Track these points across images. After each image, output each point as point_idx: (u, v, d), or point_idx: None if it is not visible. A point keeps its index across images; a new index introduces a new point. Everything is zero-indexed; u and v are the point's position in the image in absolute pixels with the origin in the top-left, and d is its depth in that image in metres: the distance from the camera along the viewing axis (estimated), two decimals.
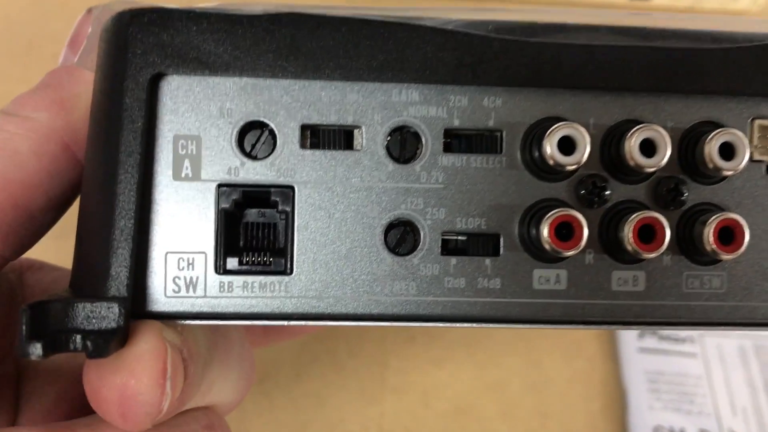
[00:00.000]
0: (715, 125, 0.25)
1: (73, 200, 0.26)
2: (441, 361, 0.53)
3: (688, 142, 0.24)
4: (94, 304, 0.21)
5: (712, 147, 0.23)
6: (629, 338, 0.55)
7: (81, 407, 0.23)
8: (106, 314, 0.21)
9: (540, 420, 0.53)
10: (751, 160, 0.25)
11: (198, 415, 0.26)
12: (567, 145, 0.23)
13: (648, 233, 0.23)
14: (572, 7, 0.61)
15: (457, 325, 0.24)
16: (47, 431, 0.23)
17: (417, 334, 0.53)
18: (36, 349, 0.20)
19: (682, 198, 0.24)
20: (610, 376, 0.54)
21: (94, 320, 0.21)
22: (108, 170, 0.22)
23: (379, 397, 0.53)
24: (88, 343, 0.20)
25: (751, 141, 0.25)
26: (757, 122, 0.25)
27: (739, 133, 0.23)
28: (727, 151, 0.24)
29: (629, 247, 0.23)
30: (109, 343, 0.21)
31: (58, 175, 0.25)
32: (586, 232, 0.23)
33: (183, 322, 0.23)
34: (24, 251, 0.26)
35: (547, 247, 0.23)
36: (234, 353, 0.28)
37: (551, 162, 0.23)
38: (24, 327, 0.20)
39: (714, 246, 0.23)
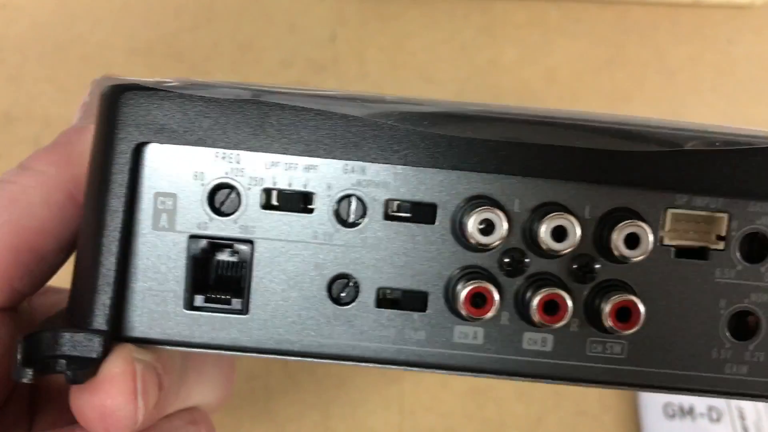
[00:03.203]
0: (631, 212, 0.28)
1: None
2: None
3: (604, 226, 0.27)
4: (78, 335, 0.26)
5: (618, 236, 0.26)
6: None
7: None
8: (87, 344, 0.26)
9: (554, 398, 0.56)
10: (661, 244, 0.28)
11: (182, 415, 0.31)
12: (487, 226, 0.27)
13: (553, 307, 0.27)
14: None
15: (384, 367, 0.28)
16: None
17: None
18: (27, 374, 0.25)
19: (593, 274, 0.28)
20: None
21: (78, 348, 0.26)
22: (96, 222, 0.27)
23: (399, 378, 0.56)
24: (68, 372, 0.25)
25: (662, 227, 0.28)
26: (670, 211, 0.28)
27: (645, 226, 0.26)
28: (633, 240, 0.27)
29: (535, 318, 0.27)
30: (87, 369, 0.26)
31: (65, 222, 0.29)
32: (497, 301, 0.27)
33: (156, 347, 0.28)
34: (38, 288, 0.30)
35: (463, 312, 0.27)
36: (207, 360, 0.33)
37: (471, 240, 0.27)
38: (19, 355, 0.25)
39: (611, 323, 0.27)
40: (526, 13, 0.63)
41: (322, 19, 0.62)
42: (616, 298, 0.27)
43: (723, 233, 0.28)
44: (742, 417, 0.54)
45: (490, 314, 0.27)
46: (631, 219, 0.27)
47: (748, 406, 0.54)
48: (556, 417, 0.55)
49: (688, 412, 0.54)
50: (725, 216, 0.28)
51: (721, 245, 0.28)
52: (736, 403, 0.54)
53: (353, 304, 0.28)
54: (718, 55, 0.63)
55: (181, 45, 0.61)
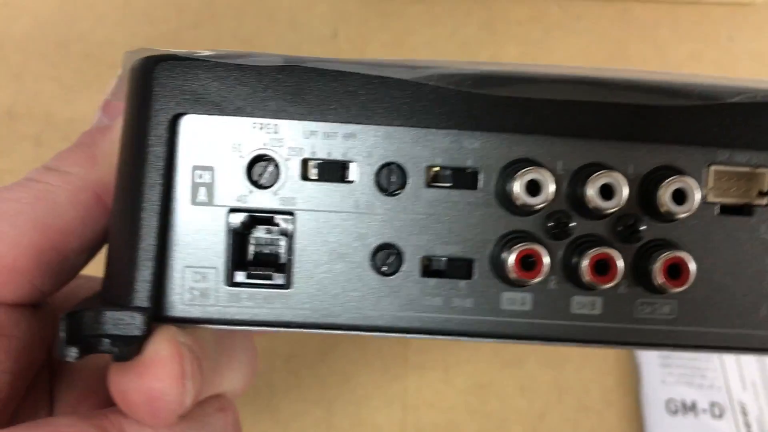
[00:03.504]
0: (674, 170, 0.27)
1: (104, 243, 0.30)
2: None
3: (648, 185, 0.27)
4: (121, 313, 0.25)
5: (665, 192, 0.26)
6: None
7: (105, 399, 0.28)
8: (130, 322, 0.25)
9: (557, 394, 0.55)
10: (705, 201, 0.28)
11: (212, 401, 0.30)
12: (533, 187, 0.26)
13: (603, 266, 0.27)
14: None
15: (432, 337, 0.28)
16: (83, 419, 0.27)
17: None
18: (72, 352, 0.24)
19: (639, 234, 0.27)
20: (624, 352, 0.56)
21: (121, 326, 0.25)
22: (134, 198, 0.26)
23: (402, 374, 0.55)
24: (115, 348, 0.25)
25: (706, 184, 0.28)
26: (713, 168, 0.28)
27: (691, 181, 0.26)
28: (680, 196, 0.26)
29: (586, 278, 0.26)
30: (132, 347, 0.25)
31: (90, 222, 0.29)
32: (546, 264, 0.26)
33: (195, 327, 0.27)
34: (61, 288, 0.30)
35: (511, 275, 0.26)
36: (237, 345, 0.32)
37: (518, 202, 0.26)
38: (63, 333, 0.24)
39: (662, 280, 0.26)
40: (527, 9, 0.63)
41: (324, 16, 0.62)
42: (667, 255, 0.26)
43: (765, 189, 0.28)
44: (744, 413, 0.54)
45: (539, 277, 0.26)
46: (676, 175, 0.26)
47: (751, 401, 0.54)
48: (559, 412, 0.55)
49: (691, 408, 0.54)
50: (767, 171, 0.28)
51: (764, 201, 0.28)
52: (738, 399, 0.54)
53: (398, 274, 0.28)
54: (719, 51, 0.64)
55: (182, 42, 0.60)
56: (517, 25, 0.63)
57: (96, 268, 0.30)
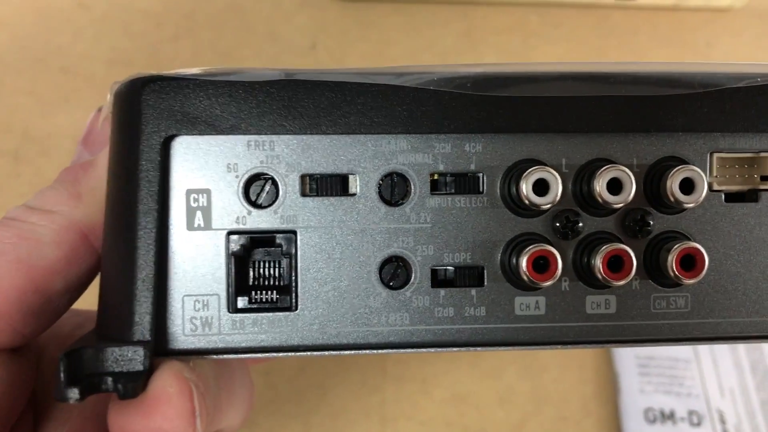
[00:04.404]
0: (678, 160, 0.27)
1: (88, 284, 0.28)
2: None
3: (653, 177, 0.27)
4: (122, 348, 0.24)
5: (673, 182, 0.26)
6: None
7: None
8: (132, 357, 0.24)
9: (535, 404, 0.55)
10: (710, 190, 0.27)
11: None
12: (541, 187, 0.26)
13: (617, 263, 0.26)
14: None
15: (447, 350, 0.27)
16: None
17: None
18: (74, 394, 0.22)
19: (649, 228, 0.27)
20: (603, 361, 0.56)
21: (122, 363, 0.24)
22: (128, 226, 0.25)
23: (380, 386, 0.54)
24: (119, 385, 0.23)
25: (710, 173, 0.27)
26: (716, 155, 0.27)
27: (698, 170, 0.26)
28: (687, 185, 0.26)
29: (600, 276, 0.26)
30: (137, 383, 0.24)
31: (75, 262, 0.27)
32: (560, 264, 0.26)
33: (201, 357, 0.26)
34: (42, 332, 0.28)
35: (525, 278, 0.26)
36: (236, 380, 0.30)
37: (527, 202, 0.25)
38: (62, 374, 0.22)
39: (677, 272, 0.26)
40: (506, 18, 0.63)
41: (303, 28, 0.61)
42: (680, 246, 0.26)
43: None
44: (722, 421, 0.54)
45: (554, 279, 0.26)
46: (683, 165, 0.26)
47: (729, 409, 0.55)
48: (537, 423, 0.55)
49: (669, 417, 0.54)
50: None
51: None
52: (716, 407, 0.55)
53: (407, 286, 0.27)
54: (698, 58, 0.64)
55: (161, 55, 0.60)
56: (495, 35, 0.63)
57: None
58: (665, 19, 0.64)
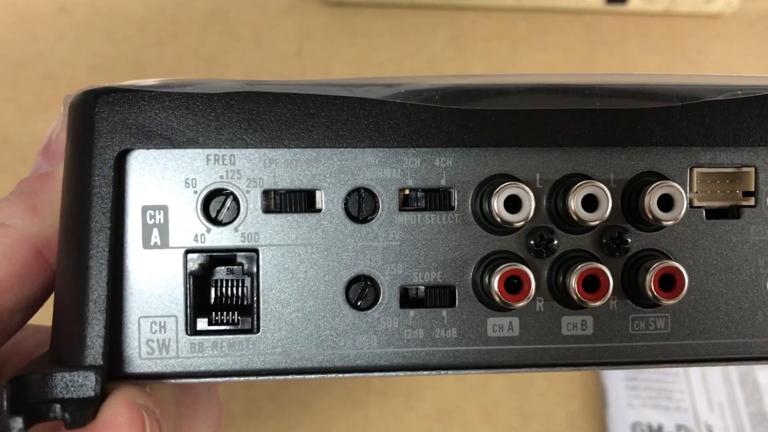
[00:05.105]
0: (657, 175, 0.26)
1: (43, 302, 0.27)
2: None
3: (631, 193, 0.26)
4: (72, 374, 0.23)
5: (651, 199, 0.25)
6: None
7: None
8: (83, 382, 0.23)
9: (522, 420, 0.54)
10: (690, 207, 0.26)
11: None
12: (513, 204, 0.24)
13: (593, 283, 0.25)
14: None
15: (417, 373, 0.26)
16: None
17: None
18: (17, 423, 0.21)
19: (627, 246, 0.26)
20: (590, 375, 0.56)
21: (72, 389, 0.23)
22: (80, 244, 0.24)
23: (363, 401, 0.53)
24: (67, 414, 0.22)
25: (690, 188, 0.26)
26: (696, 170, 0.26)
27: (677, 186, 0.25)
28: (666, 202, 0.25)
29: (575, 296, 0.25)
30: (86, 411, 0.22)
31: (28, 279, 0.26)
32: (533, 284, 0.25)
33: (158, 382, 0.25)
34: None
35: (497, 298, 0.25)
36: (200, 403, 0.29)
37: (498, 219, 0.24)
38: (5, 403, 0.21)
39: (655, 292, 0.25)
40: (494, 24, 0.62)
41: (288, 33, 0.60)
42: (658, 266, 0.25)
43: (751, 188, 0.27)
44: None
45: (527, 299, 0.25)
46: (661, 180, 0.25)
47: (717, 423, 0.54)
48: None
49: (657, 431, 0.53)
50: (751, 170, 0.27)
51: (751, 201, 0.27)
52: (705, 421, 0.54)
53: (375, 307, 0.26)
54: (688, 64, 0.64)
55: (145, 60, 0.59)
56: (483, 41, 0.62)
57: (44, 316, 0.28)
58: (656, 26, 0.64)
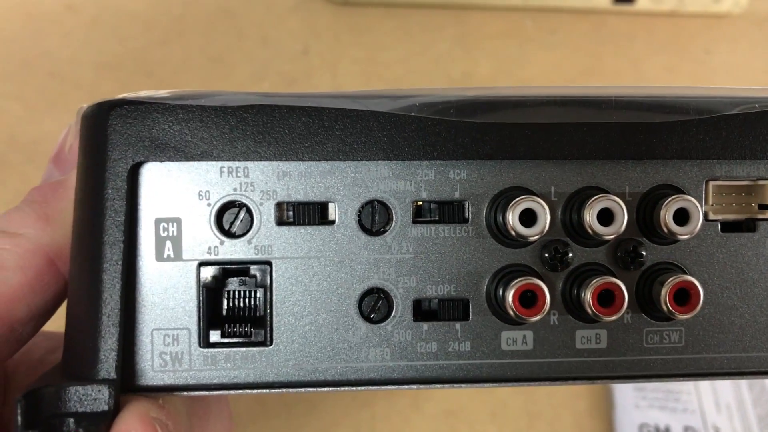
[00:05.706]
0: (672, 189, 0.26)
1: (54, 311, 0.27)
2: None
3: (646, 206, 0.26)
4: (85, 387, 0.23)
5: (667, 213, 0.25)
6: None
7: None
8: (96, 396, 0.23)
9: (528, 420, 0.54)
10: (706, 220, 0.26)
11: None
12: (528, 218, 0.24)
13: (608, 297, 0.25)
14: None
15: (430, 386, 0.26)
16: None
17: None
18: None
19: (642, 259, 0.26)
20: None
21: (86, 403, 0.23)
22: (93, 258, 0.24)
23: (370, 401, 0.53)
24: (81, 429, 0.22)
25: (706, 201, 0.26)
26: (712, 183, 0.26)
27: (693, 199, 0.25)
28: (682, 216, 0.25)
29: (590, 311, 0.25)
30: (99, 425, 0.22)
31: (41, 289, 0.26)
32: (548, 299, 0.25)
33: (170, 394, 0.25)
34: (4, 360, 0.27)
35: (511, 312, 0.24)
36: (212, 414, 0.29)
37: (513, 233, 0.24)
38: (19, 417, 0.21)
39: (670, 307, 0.25)
40: (501, 24, 0.62)
41: (295, 32, 0.60)
42: (674, 280, 0.25)
43: (767, 201, 0.26)
44: None
45: (542, 313, 0.24)
46: (677, 194, 0.25)
47: (725, 425, 0.53)
48: None
49: None
50: (767, 183, 0.26)
51: (766, 214, 0.26)
52: (712, 422, 0.54)
53: (388, 320, 0.25)
54: (695, 64, 0.63)
55: (151, 59, 0.58)
56: (490, 40, 0.61)
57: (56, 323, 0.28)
58: (663, 25, 0.63)
